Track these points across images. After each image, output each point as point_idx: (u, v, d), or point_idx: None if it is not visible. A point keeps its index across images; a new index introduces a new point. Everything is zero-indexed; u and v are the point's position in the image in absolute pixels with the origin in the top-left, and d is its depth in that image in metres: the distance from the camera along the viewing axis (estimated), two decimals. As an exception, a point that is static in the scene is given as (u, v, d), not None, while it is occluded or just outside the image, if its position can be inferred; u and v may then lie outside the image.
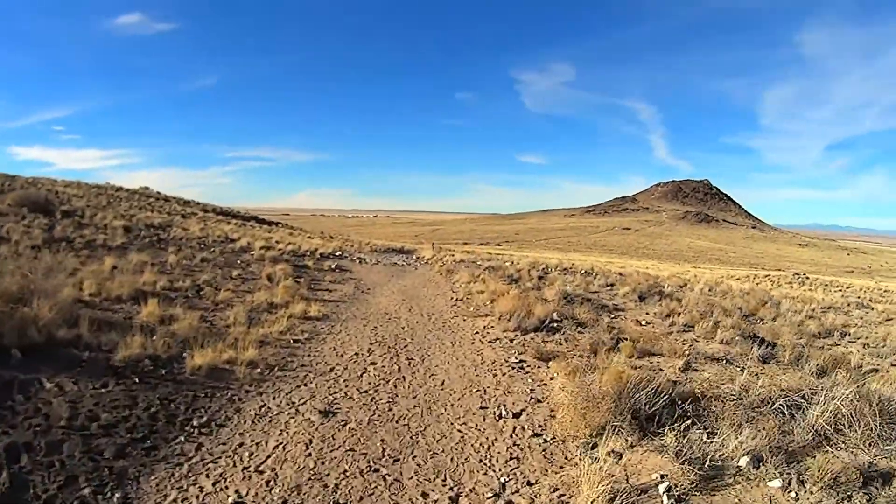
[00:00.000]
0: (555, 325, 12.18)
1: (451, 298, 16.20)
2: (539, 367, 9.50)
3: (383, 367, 9.00)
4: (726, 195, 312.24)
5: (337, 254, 25.82)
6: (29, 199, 22.39)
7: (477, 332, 11.81)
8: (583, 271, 27.77)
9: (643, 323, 14.02)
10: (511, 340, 11.12)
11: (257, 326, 10.57)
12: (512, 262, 28.82)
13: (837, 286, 56.23)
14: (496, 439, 6.46)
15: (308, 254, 24.26)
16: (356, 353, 9.66)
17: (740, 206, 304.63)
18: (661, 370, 9.23)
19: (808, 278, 66.90)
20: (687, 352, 10.70)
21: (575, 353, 10.03)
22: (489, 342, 11.00)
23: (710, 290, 23.49)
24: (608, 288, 20.89)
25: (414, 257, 30.72)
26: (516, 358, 9.88)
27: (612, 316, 14.77)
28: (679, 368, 9.47)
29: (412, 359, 9.57)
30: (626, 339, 10.85)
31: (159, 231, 23.46)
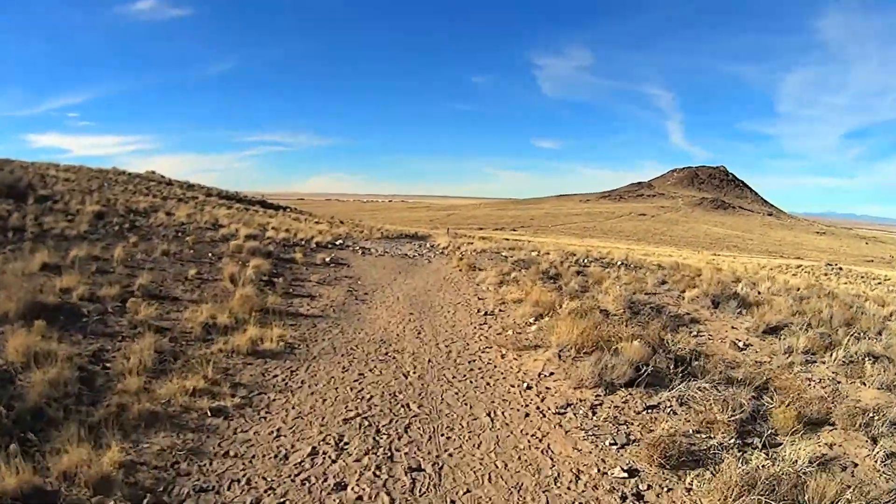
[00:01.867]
0: (650, 368, 7.44)
1: (478, 311, 11.80)
2: (668, 489, 5.03)
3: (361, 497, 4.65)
4: (742, 182, 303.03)
5: (338, 243, 21.56)
6: (2, 182, 19.71)
7: (529, 388, 7.35)
8: (619, 262, 23.64)
9: (741, 346, 10.03)
10: (593, 411, 6.60)
11: (164, 379, 6.41)
12: (539, 252, 24.46)
13: (875, 278, 52.06)
14: None
15: (302, 243, 20.04)
16: (312, 455, 5.25)
17: (756, 193, 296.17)
18: (855, 465, 5.59)
19: (841, 269, 62.42)
20: (859, 415, 6.56)
21: (714, 441, 5.75)
22: (555, 413, 6.54)
23: (780, 291, 19.06)
24: (663, 286, 16.58)
25: (428, 245, 26.43)
26: (622, 467, 5.30)
27: (694, 334, 10.66)
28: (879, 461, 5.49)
29: (419, 468, 5.13)
30: (770, 396, 7.01)
31: (139, 217, 20.02)
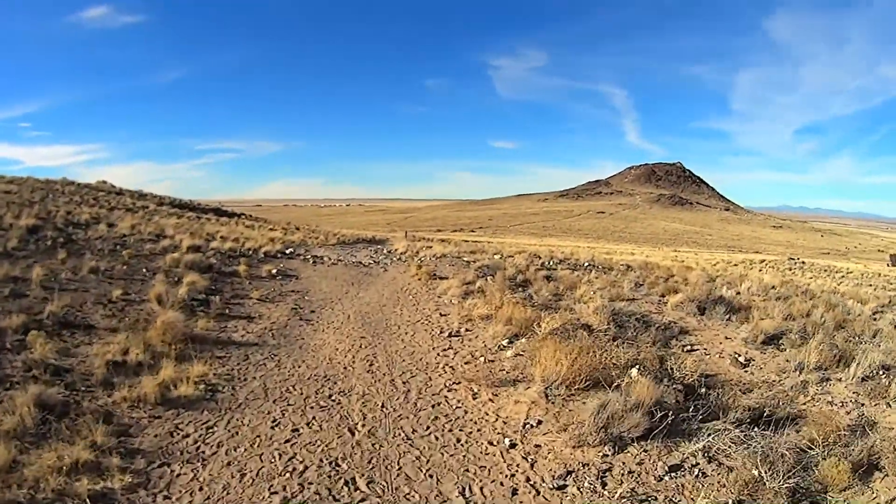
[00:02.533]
0: (669, 416, 5.89)
1: (441, 331, 10.38)
2: None
3: None
4: (699, 178, 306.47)
5: (288, 251, 20.07)
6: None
7: (513, 445, 5.83)
8: (586, 264, 22.66)
9: (743, 362, 9.04)
10: (603, 483, 5.07)
11: (40, 449, 5.03)
12: (503, 256, 23.27)
13: (838, 271, 52.29)
14: None
15: (249, 253, 18.54)
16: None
17: (713, 189, 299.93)
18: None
19: (804, 263, 62.72)
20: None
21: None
22: (553, 489, 5.00)
23: (759, 291, 18.14)
24: (639, 290, 15.66)
25: (385, 251, 25.09)
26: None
27: (688, 348, 9.72)
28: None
29: None
30: (797, 430, 6.05)
31: (78, 230, 18.49)
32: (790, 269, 49.98)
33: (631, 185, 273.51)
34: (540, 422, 6.34)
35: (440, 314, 11.69)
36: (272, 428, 5.98)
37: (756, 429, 5.92)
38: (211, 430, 5.85)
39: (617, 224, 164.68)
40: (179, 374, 6.89)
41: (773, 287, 19.22)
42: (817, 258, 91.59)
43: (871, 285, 33.90)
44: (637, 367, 7.13)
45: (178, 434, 5.74)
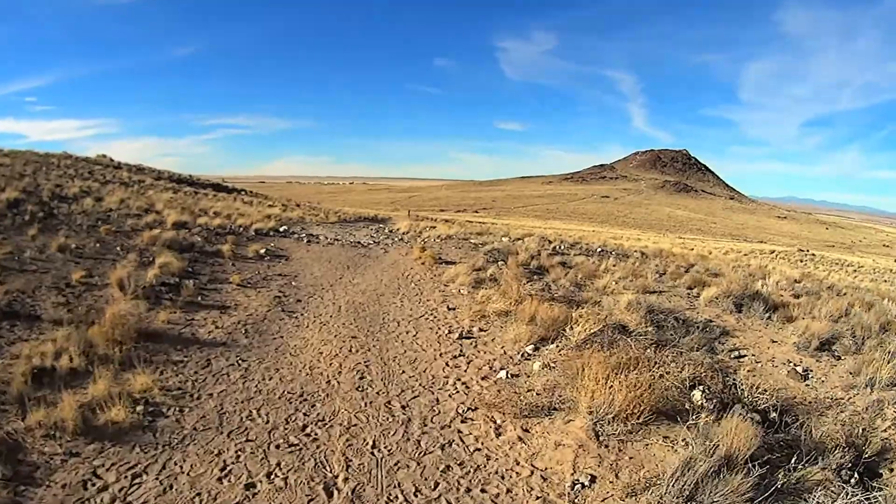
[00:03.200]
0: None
1: (450, 330, 8.72)
2: None
3: None
4: (704, 165, 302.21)
5: (282, 229, 18.53)
6: None
7: None
8: (599, 249, 21.43)
9: (801, 373, 7.52)
10: None
11: None
12: (511, 238, 21.72)
13: (849, 265, 50.65)
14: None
15: (240, 230, 17.04)
16: None
17: (718, 177, 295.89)
18: None
19: (814, 255, 61.03)
20: None
21: None
22: None
23: (788, 286, 16.57)
24: (661, 280, 14.24)
25: (386, 231, 23.56)
26: None
27: (735, 354, 8.25)
28: None
29: None
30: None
31: (62, 204, 17.16)
32: (802, 262, 48.32)
33: (636, 171, 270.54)
34: (594, 478, 4.56)
35: (447, 307, 10.08)
36: (219, 480, 4.35)
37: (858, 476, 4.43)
38: (137, 481, 4.26)
39: (621, 209, 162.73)
40: (116, 388, 5.41)
41: (796, 281, 17.67)
42: (823, 251, 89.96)
43: (886, 281, 32.35)
44: (699, 387, 5.60)
45: (93, 485, 4.18)
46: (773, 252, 58.02)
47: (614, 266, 16.05)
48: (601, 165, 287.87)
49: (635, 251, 22.92)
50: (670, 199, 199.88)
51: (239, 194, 41.50)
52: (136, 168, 41.74)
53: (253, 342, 7.75)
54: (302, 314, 9.26)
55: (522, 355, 7.56)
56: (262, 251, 14.02)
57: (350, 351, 7.56)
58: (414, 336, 8.37)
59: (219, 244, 14.14)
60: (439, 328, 8.83)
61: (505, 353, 7.70)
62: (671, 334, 8.27)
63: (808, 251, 66.64)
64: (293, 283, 11.44)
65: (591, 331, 7.42)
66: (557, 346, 7.54)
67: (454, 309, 9.96)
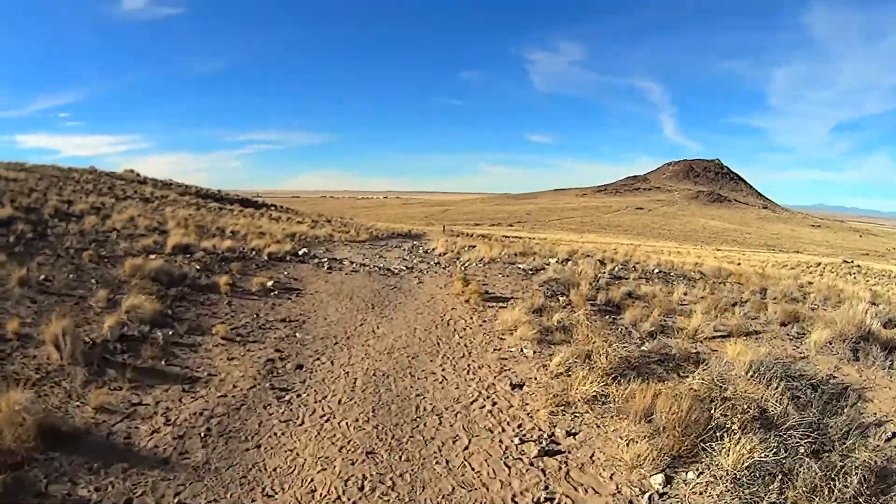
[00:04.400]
0: None
1: (522, 436, 5.40)
2: None
3: None
4: (737, 175, 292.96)
5: (301, 252, 15.63)
6: None
7: None
8: (656, 270, 18.66)
9: None
10: None
11: None
12: (558, 258, 18.62)
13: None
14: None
15: (251, 255, 14.20)
16: None
17: (751, 186, 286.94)
18: None
19: (859, 267, 56.83)
20: None
21: None
22: None
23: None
24: (744, 309, 11.85)
25: (421, 250, 20.65)
26: None
27: (885, 435, 5.61)
28: None
29: None
30: None
31: (61, 223, 14.72)
32: (850, 274, 44.43)
33: (669, 182, 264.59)
34: None
35: (510, 383, 6.86)
36: None
37: None
38: None
39: (656, 220, 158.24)
40: None
41: (872, 303, 14.34)
42: (860, 259, 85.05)
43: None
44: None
45: None
46: (818, 265, 53.87)
47: (686, 295, 13.39)
48: (634, 177, 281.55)
49: (692, 271, 19.86)
50: (704, 210, 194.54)
51: (268, 210, 39.19)
52: (162, 183, 39.66)
53: (211, 459, 4.74)
54: (299, 395, 6.24)
55: (650, 500, 4.39)
56: (270, 283, 11.12)
57: (364, 484, 4.48)
58: (465, 450, 5.16)
59: (218, 275, 11.29)
60: (503, 430, 5.60)
61: (619, 490, 4.51)
62: (814, 413, 5.34)
63: (852, 262, 62.29)
64: (297, 333, 8.47)
65: (750, 448, 4.31)
66: (703, 478, 4.44)
67: (520, 386, 6.77)
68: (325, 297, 10.87)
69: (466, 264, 15.97)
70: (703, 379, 6.27)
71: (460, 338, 8.71)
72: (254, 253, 14.51)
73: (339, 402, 6.07)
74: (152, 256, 12.37)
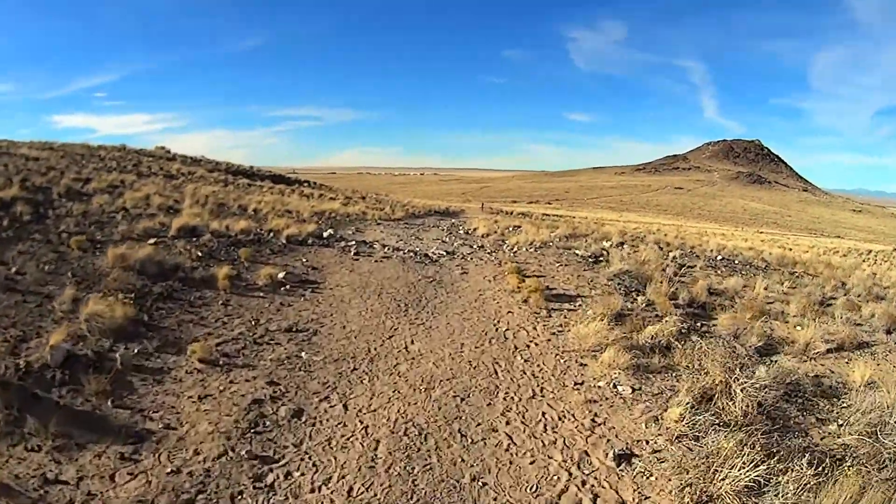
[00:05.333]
0: None
1: None
2: None
3: None
4: (777, 156, 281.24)
5: (326, 234, 13.38)
6: None
7: None
8: (719, 257, 16.65)
9: None
10: None
11: None
12: (612, 242, 16.19)
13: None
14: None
15: (268, 237, 12.06)
16: None
17: (791, 168, 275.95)
18: None
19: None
20: None
21: None
22: None
23: None
24: (835, 307, 10.10)
25: (461, 231, 18.38)
26: None
27: None
28: None
29: None
30: None
31: (69, 202, 13.05)
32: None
33: (709, 162, 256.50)
34: None
35: (612, 454, 4.37)
36: None
37: None
38: None
39: (695, 201, 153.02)
40: None
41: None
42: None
43: None
44: None
45: None
46: (870, 252, 50.12)
47: (766, 290, 11.30)
48: (674, 156, 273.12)
49: (756, 259, 17.62)
50: (744, 191, 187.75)
51: (300, 186, 37.24)
52: (191, 160, 37.90)
53: None
54: (288, 475, 3.96)
55: None
56: (281, 275, 8.90)
57: None
58: None
59: (220, 264, 9.09)
60: None
61: None
62: None
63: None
64: (303, 352, 6.21)
65: None
66: None
67: (628, 459, 4.32)
68: (348, 293, 8.61)
69: (515, 249, 13.65)
70: (857, 431, 4.05)
71: (524, 361, 6.35)
72: (271, 235, 12.36)
73: (350, 493, 3.80)
74: (150, 241, 10.35)
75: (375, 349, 6.38)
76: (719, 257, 16.63)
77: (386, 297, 8.50)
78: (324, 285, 9.00)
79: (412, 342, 6.68)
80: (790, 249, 30.52)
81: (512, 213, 38.95)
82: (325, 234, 13.42)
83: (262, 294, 8.20)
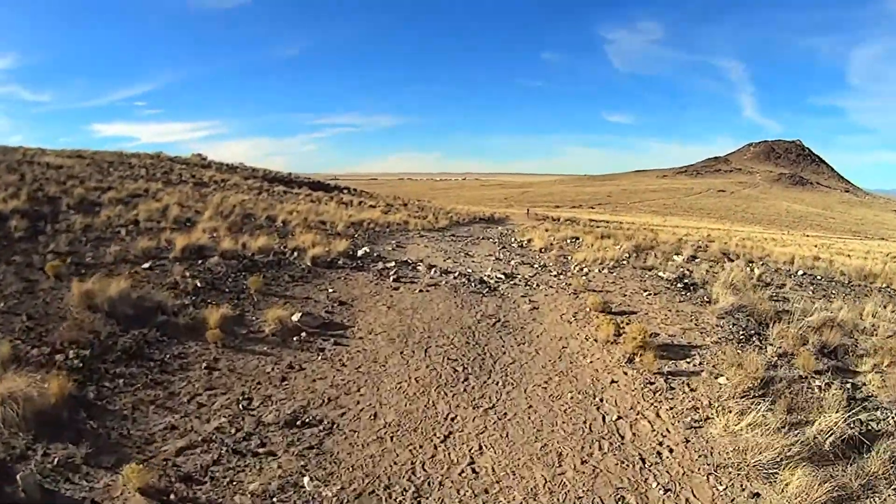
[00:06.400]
0: None
1: None
2: None
3: None
4: (818, 157, 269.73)
5: (360, 252, 10.95)
6: None
7: None
8: (800, 272, 14.08)
9: None
10: None
11: None
12: (684, 256, 13.57)
13: None
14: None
15: (291, 257, 9.80)
16: None
17: (832, 169, 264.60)
18: None
19: None
20: None
21: None
22: None
23: None
24: None
25: (514, 242, 15.90)
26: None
27: None
28: None
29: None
30: None
31: (78, 214, 11.52)
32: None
33: (750, 163, 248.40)
34: None
35: None
36: None
37: None
38: None
39: (738, 203, 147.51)
40: None
41: None
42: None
43: None
44: None
45: None
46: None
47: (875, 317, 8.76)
48: (715, 158, 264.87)
49: (837, 272, 14.85)
50: (786, 193, 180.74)
51: (340, 193, 35.16)
52: (227, 167, 36.38)
53: None
54: None
55: None
56: (296, 318, 6.51)
57: None
58: None
59: (215, 302, 6.79)
60: None
61: None
62: None
63: None
64: (308, 476, 3.69)
65: None
66: None
67: None
68: (384, 345, 6.17)
69: (584, 269, 11.12)
70: None
71: (664, 491, 3.79)
72: (294, 255, 10.03)
73: None
74: (146, 265, 8.23)
75: (424, 469, 3.88)
76: (799, 272, 13.90)
77: (436, 354, 6.03)
78: (352, 331, 6.58)
79: (480, 450, 4.15)
80: (848, 255, 27.44)
81: (559, 220, 36.19)
82: (359, 253, 11.05)
83: (266, 349, 5.85)
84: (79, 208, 12.21)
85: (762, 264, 14.60)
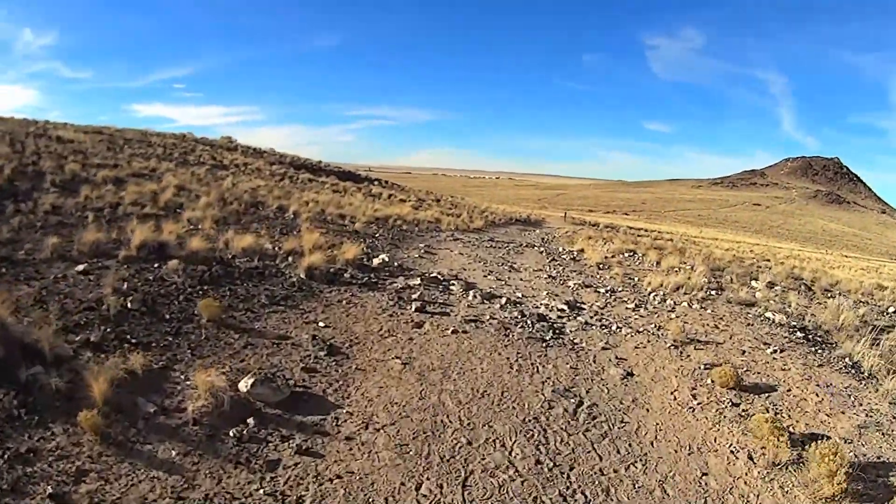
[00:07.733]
0: None
1: None
2: None
3: None
4: (856, 176, 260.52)
5: (375, 263, 8.24)
6: None
7: None
8: (889, 305, 11.26)
9: None
10: None
11: None
12: (761, 282, 10.87)
13: None
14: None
15: (281, 264, 7.16)
16: None
17: (870, 189, 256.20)
18: None
19: None
20: None
21: None
22: None
23: None
24: None
25: (564, 254, 13.29)
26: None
27: None
28: None
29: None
30: None
31: (52, 193, 9.68)
32: None
33: (787, 179, 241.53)
34: None
35: None
36: None
37: None
38: None
39: (774, 219, 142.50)
40: None
41: None
42: None
43: None
44: None
45: None
46: None
47: None
48: (751, 171, 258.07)
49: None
50: (823, 211, 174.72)
51: (370, 185, 32.75)
52: (254, 151, 34.65)
53: None
54: None
55: None
56: (245, 387, 3.77)
57: None
58: None
59: (127, 345, 4.10)
60: None
61: None
62: None
63: None
64: None
65: None
66: None
67: None
68: (387, 464, 3.32)
69: (668, 301, 8.28)
70: None
71: None
72: (285, 262, 7.33)
73: None
74: (80, 267, 5.64)
75: None
76: (891, 309, 10.91)
77: (479, 487, 3.24)
78: (337, 420, 3.75)
79: None
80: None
81: (599, 227, 33.36)
82: (374, 262, 8.32)
83: (174, 455, 3.09)
84: (62, 186, 10.57)
85: (850, 297, 11.68)
